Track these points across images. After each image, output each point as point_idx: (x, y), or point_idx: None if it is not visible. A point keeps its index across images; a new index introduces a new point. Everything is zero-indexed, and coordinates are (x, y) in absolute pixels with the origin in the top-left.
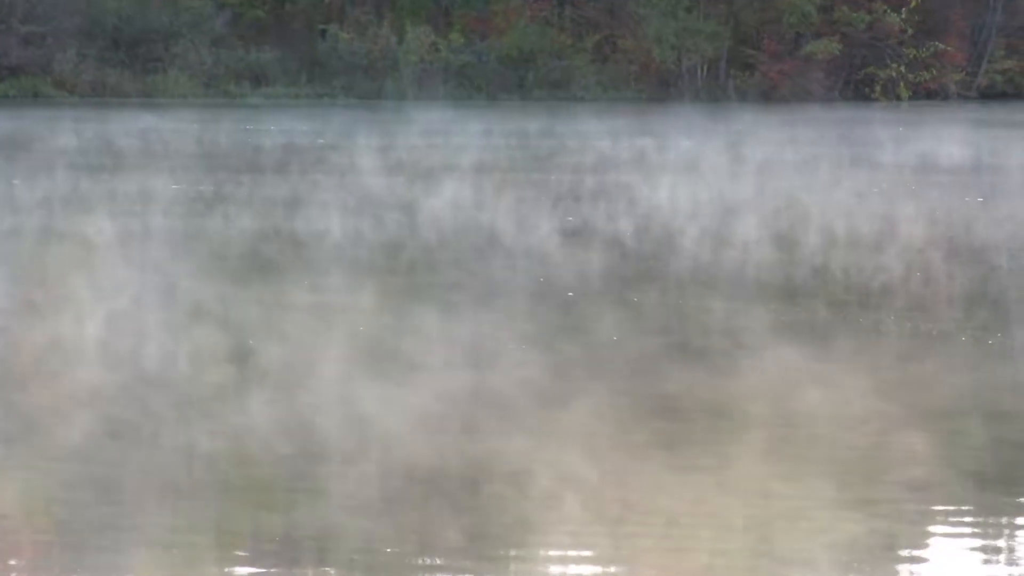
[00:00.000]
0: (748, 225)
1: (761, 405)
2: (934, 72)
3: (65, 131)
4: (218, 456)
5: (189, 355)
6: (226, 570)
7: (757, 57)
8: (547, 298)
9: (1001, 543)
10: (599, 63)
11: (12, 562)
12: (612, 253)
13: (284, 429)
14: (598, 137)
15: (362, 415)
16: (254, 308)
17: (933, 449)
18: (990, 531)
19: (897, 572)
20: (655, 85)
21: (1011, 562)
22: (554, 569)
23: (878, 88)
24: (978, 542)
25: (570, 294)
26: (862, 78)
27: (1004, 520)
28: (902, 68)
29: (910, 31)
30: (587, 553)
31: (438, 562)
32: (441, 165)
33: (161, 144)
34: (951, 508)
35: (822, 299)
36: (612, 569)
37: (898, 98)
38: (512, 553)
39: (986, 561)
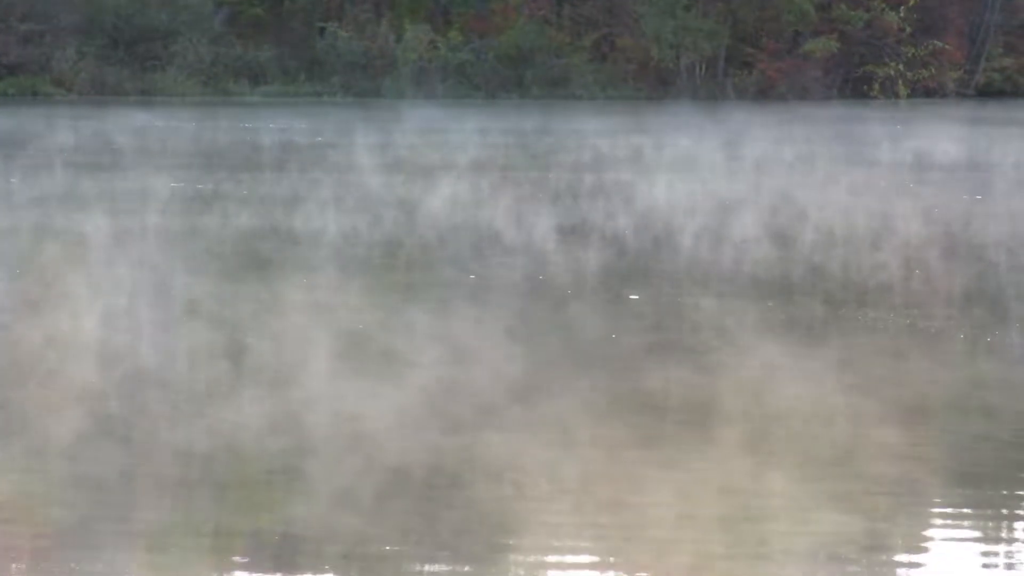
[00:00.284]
0: (743, 223)
1: (744, 401)
2: (932, 70)
3: (64, 129)
4: (207, 452)
5: (182, 352)
6: (217, 568)
7: (755, 55)
8: (541, 295)
9: (981, 538)
10: (597, 61)
11: (7, 562)
12: (608, 251)
13: (275, 426)
14: (596, 135)
15: (342, 411)
16: (250, 305)
17: (913, 447)
18: (969, 527)
19: (877, 569)
20: (653, 83)
21: (986, 554)
22: (529, 566)
23: (876, 86)
24: (958, 538)
25: (568, 291)
26: (860, 76)
27: (984, 516)
28: (900, 66)
29: (908, 29)
30: (563, 550)
31: (413, 557)
32: (439, 163)
33: (160, 142)
34: (931, 505)
35: (815, 296)
36: (588, 563)
37: (896, 96)
38: (487, 550)
39: (965, 557)
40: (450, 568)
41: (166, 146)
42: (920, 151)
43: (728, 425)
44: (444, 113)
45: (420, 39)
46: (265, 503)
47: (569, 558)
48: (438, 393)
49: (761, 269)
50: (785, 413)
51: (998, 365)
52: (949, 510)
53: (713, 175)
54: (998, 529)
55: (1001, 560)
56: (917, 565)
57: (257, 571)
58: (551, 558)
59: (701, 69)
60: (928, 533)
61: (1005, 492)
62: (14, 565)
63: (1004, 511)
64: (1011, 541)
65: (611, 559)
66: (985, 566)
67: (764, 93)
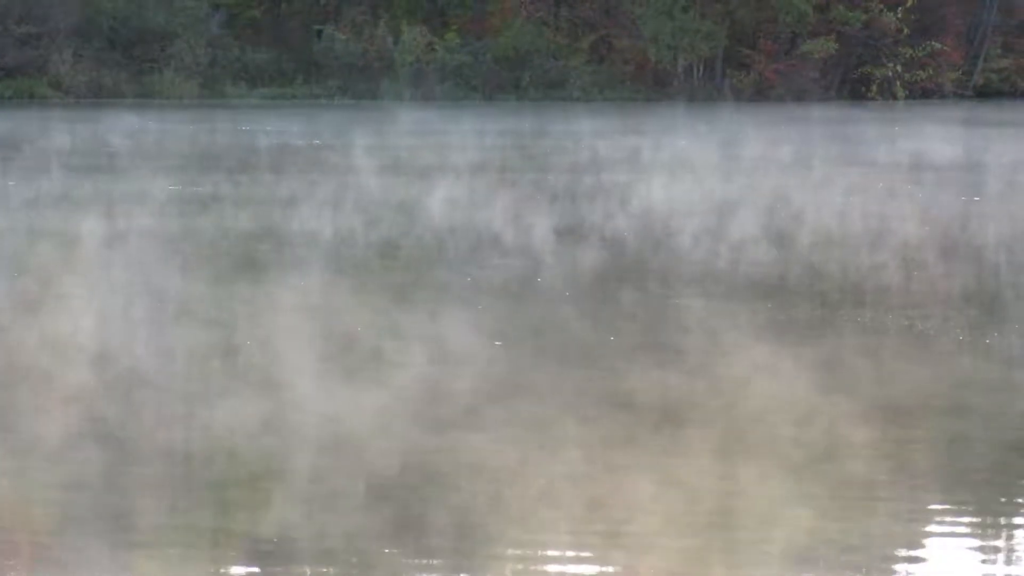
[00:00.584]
0: (739, 224)
1: (725, 402)
2: (930, 71)
3: (61, 132)
4: (195, 453)
5: (176, 354)
6: (210, 569)
7: (753, 56)
8: (535, 297)
9: (957, 538)
10: (595, 63)
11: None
12: (603, 252)
13: (265, 427)
14: (593, 137)
15: (325, 412)
16: (244, 307)
17: (892, 445)
18: (969, 527)
19: (856, 567)
20: (651, 85)
21: (961, 549)
22: (506, 565)
23: (874, 87)
24: (932, 538)
25: (566, 292)
26: (858, 77)
27: (984, 515)
28: (898, 67)
29: (906, 30)
30: (541, 550)
31: (401, 558)
32: (436, 165)
33: (157, 144)
34: (929, 505)
35: (807, 297)
36: (567, 560)
37: (894, 97)
38: (464, 548)
39: (943, 555)
40: (424, 567)
41: (163, 148)
42: (917, 152)
43: (723, 426)
44: (441, 115)
45: (417, 41)
46: (253, 504)
47: (540, 563)
48: (427, 394)
49: (754, 270)
50: (785, 413)
51: (997, 366)
52: (949, 509)
53: (710, 176)
54: (996, 530)
55: (1001, 560)
56: (918, 560)
57: (244, 571)
58: (552, 555)
59: (699, 70)
60: (922, 532)
61: (1003, 499)
62: (8, 564)
63: (1001, 517)
64: (1005, 542)
65: (583, 560)
66: (984, 563)
67: (762, 94)
